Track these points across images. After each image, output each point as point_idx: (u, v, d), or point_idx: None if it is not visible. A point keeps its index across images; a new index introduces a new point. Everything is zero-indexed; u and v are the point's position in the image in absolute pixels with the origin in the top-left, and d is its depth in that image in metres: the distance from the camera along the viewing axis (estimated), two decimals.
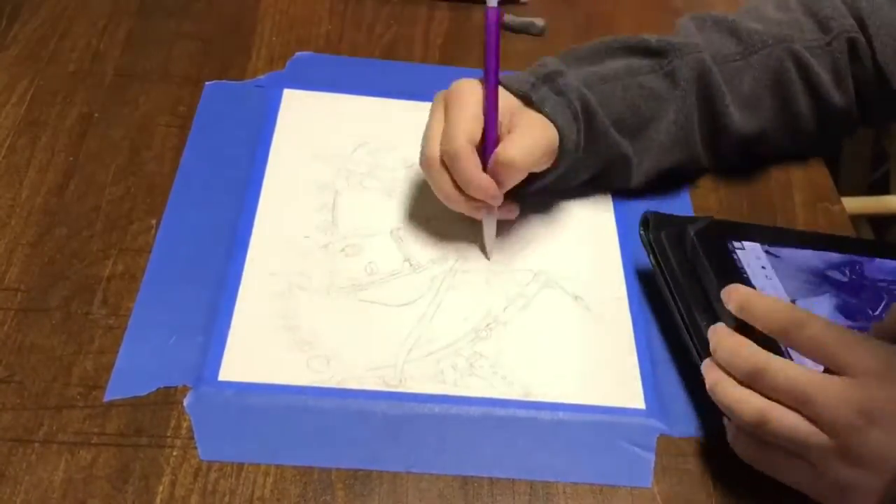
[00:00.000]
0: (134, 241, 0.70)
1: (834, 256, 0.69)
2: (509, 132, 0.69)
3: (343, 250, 0.72)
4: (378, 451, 0.61)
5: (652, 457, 0.62)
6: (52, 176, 0.74)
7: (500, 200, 0.69)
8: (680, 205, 0.78)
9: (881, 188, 1.57)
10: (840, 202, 0.81)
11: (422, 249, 0.72)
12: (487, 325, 0.68)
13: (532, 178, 0.71)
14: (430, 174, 0.70)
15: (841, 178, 1.60)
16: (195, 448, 0.60)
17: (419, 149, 0.71)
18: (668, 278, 0.66)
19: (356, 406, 0.63)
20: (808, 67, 0.78)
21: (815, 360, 0.57)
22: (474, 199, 0.69)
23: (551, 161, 0.70)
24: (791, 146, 0.82)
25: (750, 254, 0.66)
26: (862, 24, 0.78)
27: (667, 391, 0.66)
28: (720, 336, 0.60)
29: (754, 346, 0.58)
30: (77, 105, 0.80)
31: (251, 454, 0.60)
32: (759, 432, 0.57)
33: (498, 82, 0.69)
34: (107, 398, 0.61)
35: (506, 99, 0.70)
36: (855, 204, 1.44)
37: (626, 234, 0.75)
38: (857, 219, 1.49)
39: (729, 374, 0.59)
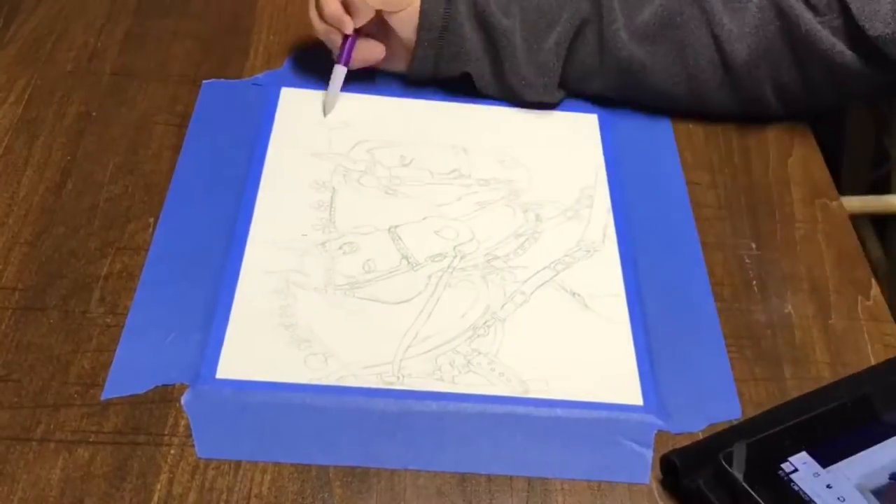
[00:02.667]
0: (132, 239, 0.70)
1: None
2: None
3: (341, 248, 0.72)
4: (376, 449, 0.61)
5: (650, 453, 0.62)
6: (49, 175, 0.74)
7: (349, 27, 0.78)
8: (679, 206, 0.78)
9: (882, 188, 1.57)
10: (838, 198, 0.81)
11: (419, 247, 0.72)
12: (485, 323, 0.68)
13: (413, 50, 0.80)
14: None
15: (842, 177, 1.60)
16: (193, 446, 0.60)
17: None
18: None
19: (354, 403, 0.63)
20: (711, 16, 0.79)
21: None
22: (330, 26, 0.79)
23: (400, 8, 0.78)
24: (690, 95, 0.83)
25: (807, 473, 0.55)
26: None
27: (664, 388, 0.66)
28: None
29: None
30: (75, 104, 0.80)
31: (249, 452, 0.60)
32: None
33: None
34: (104, 396, 0.61)
35: None
36: (856, 203, 1.43)
37: (623, 231, 0.75)
38: (858, 218, 1.49)
39: None
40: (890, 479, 0.56)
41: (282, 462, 0.59)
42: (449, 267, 0.71)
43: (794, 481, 0.55)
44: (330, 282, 0.69)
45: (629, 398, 0.65)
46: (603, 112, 0.85)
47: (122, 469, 0.58)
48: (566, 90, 0.84)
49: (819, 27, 0.78)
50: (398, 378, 0.64)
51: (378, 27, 0.80)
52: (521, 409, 0.63)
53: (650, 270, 0.72)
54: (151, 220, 0.72)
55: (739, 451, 0.56)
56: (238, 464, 0.59)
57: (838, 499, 0.54)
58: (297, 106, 0.82)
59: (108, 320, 0.65)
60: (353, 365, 0.64)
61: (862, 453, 0.57)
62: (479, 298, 0.70)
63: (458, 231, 0.74)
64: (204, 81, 0.83)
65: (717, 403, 0.65)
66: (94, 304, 0.66)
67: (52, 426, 0.60)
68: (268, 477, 0.59)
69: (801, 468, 0.56)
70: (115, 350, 0.64)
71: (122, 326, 0.65)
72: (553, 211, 0.76)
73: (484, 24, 0.79)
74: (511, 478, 0.60)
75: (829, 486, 0.55)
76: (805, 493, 0.54)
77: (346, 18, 0.78)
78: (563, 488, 0.60)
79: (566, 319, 0.69)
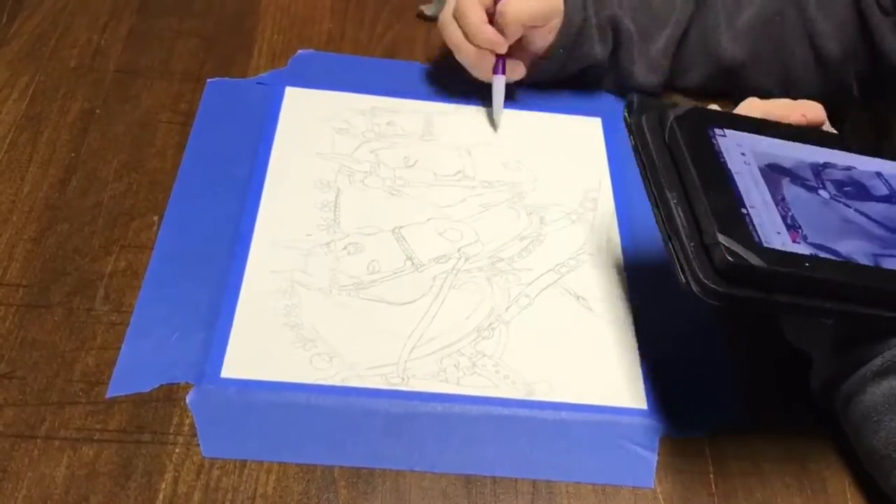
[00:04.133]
0: (136, 237, 0.70)
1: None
2: None
3: (345, 248, 0.72)
4: (381, 449, 0.61)
5: (654, 457, 0.62)
6: (53, 171, 0.74)
7: (504, 48, 0.79)
8: None
9: None
10: None
11: (424, 248, 0.72)
12: (490, 325, 0.68)
13: (545, 53, 0.82)
14: (443, 29, 0.80)
15: None
16: (198, 445, 0.60)
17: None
18: (644, 160, 0.61)
19: (359, 404, 0.63)
20: (806, 15, 0.82)
21: None
22: (482, 49, 0.79)
23: (548, 22, 0.79)
24: (782, 89, 0.85)
25: (730, 140, 0.62)
26: None
27: (669, 392, 0.66)
28: None
29: None
30: (79, 101, 0.80)
31: (254, 451, 0.60)
32: None
33: None
34: (109, 395, 0.61)
35: None
36: None
37: (628, 236, 0.75)
38: None
39: None
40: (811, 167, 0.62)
41: (287, 462, 0.59)
42: (453, 269, 0.71)
43: (715, 137, 0.61)
44: (335, 282, 0.69)
45: (633, 402, 0.65)
46: (607, 115, 0.85)
47: (127, 467, 0.58)
48: (667, 81, 0.87)
49: (886, 27, 0.81)
50: (403, 379, 0.64)
51: None
52: (525, 412, 0.64)
53: (654, 274, 0.72)
54: (156, 218, 0.72)
55: (684, 109, 0.62)
56: (243, 463, 0.59)
57: (742, 154, 0.61)
58: (301, 105, 0.82)
59: (113, 318, 0.65)
60: (358, 365, 0.65)
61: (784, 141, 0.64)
62: (484, 300, 0.70)
63: (463, 233, 0.74)
64: (208, 80, 0.83)
65: (722, 407, 0.65)
66: (98, 302, 0.66)
67: (56, 424, 0.60)
68: (273, 477, 0.59)
69: (729, 134, 0.62)
70: (119, 348, 0.64)
71: (127, 324, 0.65)
72: (557, 214, 0.76)
73: (612, 28, 0.82)
74: (516, 480, 0.60)
75: (742, 154, 0.61)
76: (718, 147, 0.61)
77: (500, 39, 0.78)
78: (567, 491, 0.60)
79: (570, 322, 0.69)
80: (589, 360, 0.67)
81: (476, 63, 0.80)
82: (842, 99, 0.87)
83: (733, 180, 0.58)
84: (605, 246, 0.75)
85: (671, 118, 0.61)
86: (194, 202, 0.73)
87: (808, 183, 0.61)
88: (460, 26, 0.79)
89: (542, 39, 0.81)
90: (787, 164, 0.62)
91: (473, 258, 0.72)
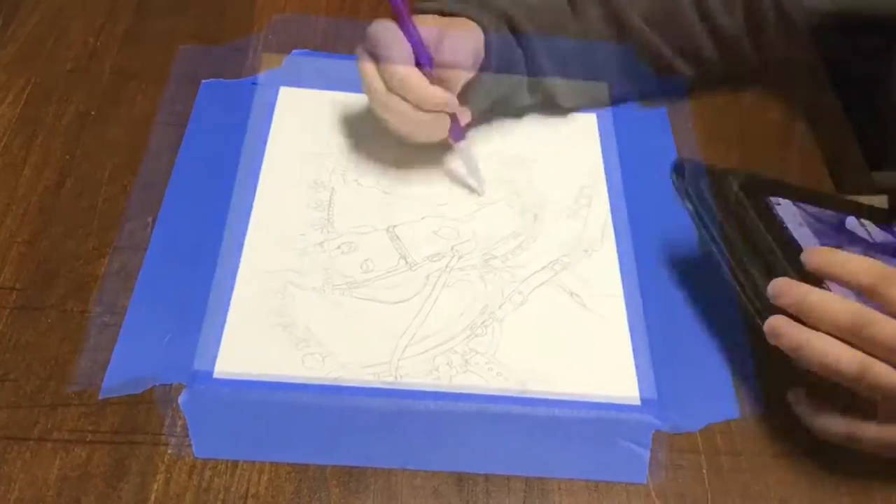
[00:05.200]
0: (130, 239, 0.70)
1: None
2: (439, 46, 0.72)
3: (339, 248, 0.72)
4: (373, 448, 0.61)
5: (647, 453, 0.62)
6: (48, 174, 0.74)
7: (455, 102, 0.72)
8: (677, 206, 0.78)
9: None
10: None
11: (417, 247, 0.72)
12: (483, 322, 0.68)
13: (474, 92, 0.75)
14: (385, 106, 0.72)
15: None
16: (190, 446, 0.60)
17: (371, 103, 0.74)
18: (715, 232, 0.64)
19: (351, 403, 0.63)
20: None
21: None
22: (433, 112, 0.72)
23: (480, 60, 0.74)
24: (683, 58, 0.84)
25: (787, 209, 0.65)
26: None
27: (662, 387, 0.65)
28: (803, 292, 0.58)
29: (847, 299, 0.58)
30: (74, 103, 0.80)
31: (246, 451, 0.60)
32: (855, 386, 0.57)
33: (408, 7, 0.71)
34: (102, 396, 0.61)
35: (427, 23, 0.73)
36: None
37: (621, 231, 0.75)
38: None
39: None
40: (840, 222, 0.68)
41: (279, 462, 0.60)
42: (447, 267, 0.71)
43: (774, 207, 0.65)
44: (328, 281, 0.69)
45: (627, 398, 0.65)
46: (601, 111, 0.85)
47: (120, 469, 0.58)
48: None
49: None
50: (396, 377, 0.64)
51: None
52: (518, 409, 0.63)
53: (648, 270, 0.72)
54: (150, 219, 0.72)
55: (743, 176, 0.66)
56: (235, 463, 0.59)
57: (799, 224, 0.65)
58: (295, 105, 0.82)
59: (106, 320, 0.65)
60: (351, 364, 0.65)
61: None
62: (477, 298, 0.69)
63: (457, 231, 0.74)
64: (203, 81, 0.83)
65: (715, 402, 0.65)
66: (91, 304, 0.66)
67: (49, 426, 0.60)
68: (265, 477, 0.59)
69: (783, 203, 0.66)
70: (112, 350, 0.64)
71: (120, 326, 0.65)
72: (551, 211, 0.76)
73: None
74: (508, 477, 0.60)
75: (800, 224, 0.65)
76: (780, 217, 0.64)
77: (449, 96, 0.72)
78: (560, 488, 0.60)
79: (564, 319, 0.69)
80: (583, 356, 0.67)
81: (431, 129, 0.75)
82: (741, 73, 0.88)
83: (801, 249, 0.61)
84: (600, 242, 0.74)
85: (734, 188, 0.65)
86: (188, 203, 0.73)
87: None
88: (404, 98, 0.71)
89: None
90: (839, 231, 0.65)
91: (467, 256, 0.72)
